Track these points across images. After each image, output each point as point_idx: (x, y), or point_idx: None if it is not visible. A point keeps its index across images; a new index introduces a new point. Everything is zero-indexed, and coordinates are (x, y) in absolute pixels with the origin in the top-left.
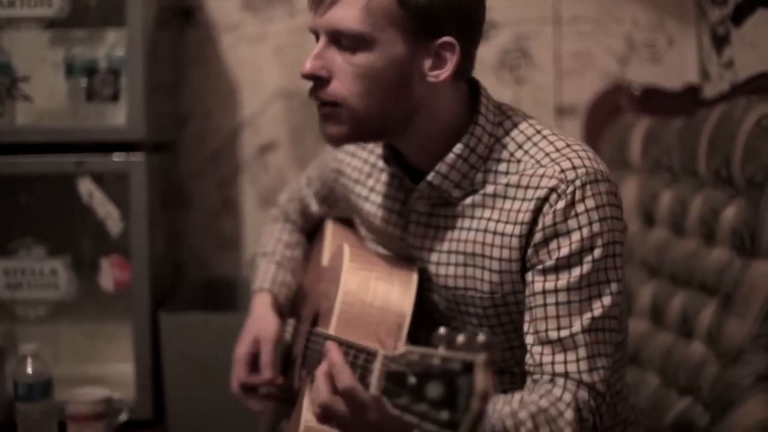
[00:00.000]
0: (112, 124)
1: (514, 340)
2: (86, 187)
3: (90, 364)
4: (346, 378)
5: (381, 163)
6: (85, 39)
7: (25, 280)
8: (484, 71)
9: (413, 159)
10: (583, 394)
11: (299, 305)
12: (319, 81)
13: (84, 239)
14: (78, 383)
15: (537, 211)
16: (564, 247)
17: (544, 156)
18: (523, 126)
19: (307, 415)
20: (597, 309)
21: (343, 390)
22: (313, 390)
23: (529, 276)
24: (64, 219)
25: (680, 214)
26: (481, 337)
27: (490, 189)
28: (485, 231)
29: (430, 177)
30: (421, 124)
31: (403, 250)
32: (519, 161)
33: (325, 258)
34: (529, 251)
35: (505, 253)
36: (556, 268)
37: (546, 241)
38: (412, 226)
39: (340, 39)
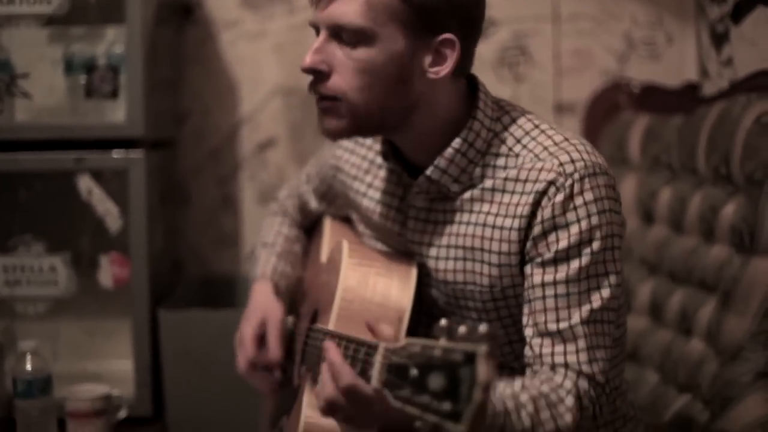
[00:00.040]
0: (112, 121)
1: (513, 335)
2: (85, 184)
3: (89, 361)
4: (347, 376)
5: (379, 159)
6: (85, 36)
7: (25, 277)
8: (483, 69)
9: (411, 154)
10: (584, 383)
11: (298, 302)
12: (319, 75)
13: (83, 236)
14: (77, 380)
15: (536, 205)
16: (563, 240)
17: (542, 150)
18: (521, 121)
19: (307, 411)
20: (596, 301)
21: (344, 388)
22: (319, 383)
23: (528, 269)
24: (63, 216)
25: (679, 211)
26: (482, 328)
27: (488, 183)
28: (484, 225)
29: (428, 171)
30: (420, 120)
31: (401, 246)
32: (517, 155)
33: (324, 254)
34: (528, 244)
35: (504, 247)
36: (555, 261)
37: (545, 234)
38: (410, 221)
39: (340, 33)
